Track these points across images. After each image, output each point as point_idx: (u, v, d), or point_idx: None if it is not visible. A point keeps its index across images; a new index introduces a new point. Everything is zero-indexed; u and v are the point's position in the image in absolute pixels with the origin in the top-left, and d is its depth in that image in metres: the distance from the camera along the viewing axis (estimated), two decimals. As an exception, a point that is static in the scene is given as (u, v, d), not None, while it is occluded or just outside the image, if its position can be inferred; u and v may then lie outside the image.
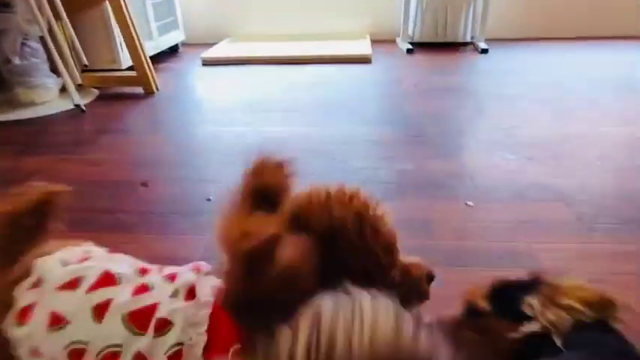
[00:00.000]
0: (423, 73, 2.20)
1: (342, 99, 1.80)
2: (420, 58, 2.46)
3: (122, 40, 2.03)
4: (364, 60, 2.39)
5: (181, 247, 0.89)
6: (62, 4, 1.69)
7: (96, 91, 1.95)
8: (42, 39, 1.75)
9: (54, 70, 1.83)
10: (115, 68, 2.07)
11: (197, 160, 1.28)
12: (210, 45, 2.74)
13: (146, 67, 1.88)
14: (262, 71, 2.28)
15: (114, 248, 0.89)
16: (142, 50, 1.87)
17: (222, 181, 1.14)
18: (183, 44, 2.89)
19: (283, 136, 1.43)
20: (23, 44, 1.74)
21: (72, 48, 1.75)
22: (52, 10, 1.63)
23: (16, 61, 1.72)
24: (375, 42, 2.65)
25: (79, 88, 1.79)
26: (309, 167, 1.20)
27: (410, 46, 2.57)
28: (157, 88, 1.93)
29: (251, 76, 2.19)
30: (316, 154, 1.28)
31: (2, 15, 1.66)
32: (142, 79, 1.89)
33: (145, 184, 1.13)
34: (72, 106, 1.73)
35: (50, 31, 1.64)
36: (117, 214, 1.01)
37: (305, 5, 2.92)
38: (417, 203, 1.03)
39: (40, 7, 1.58)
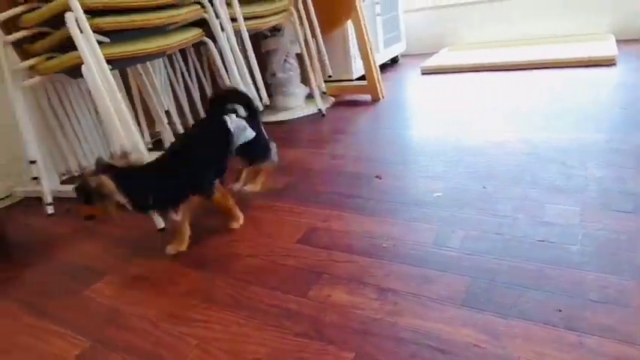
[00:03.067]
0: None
1: (575, 104, 1.64)
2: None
3: (355, 53, 2.33)
4: (606, 62, 2.10)
5: (411, 231, 0.99)
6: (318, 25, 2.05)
7: (332, 98, 2.29)
8: (298, 55, 2.17)
9: (303, 80, 2.24)
10: (347, 78, 2.38)
11: (421, 159, 1.38)
12: (429, 55, 2.86)
13: (375, 77, 2.11)
14: (481, 78, 2.26)
15: (353, 224, 1.07)
16: (373, 62, 2.11)
17: (446, 178, 1.22)
18: (403, 55, 3.08)
19: (507, 140, 1.41)
20: (285, 60, 2.19)
21: (321, 62, 2.11)
22: (310, 30, 2.01)
23: (279, 74, 2.18)
24: (620, 42, 2.29)
25: (321, 96, 2.14)
26: (540, 173, 1.16)
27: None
28: (383, 96, 2.15)
29: (469, 83, 2.20)
30: (547, 160, 1.22)
31: (274, 38, 2.13)
32: (371, 88, 2.13)
33: (379, 177, 1.30)
34: (315, 111, 2.08)
35: (307, 48, 2.01)
36: (356, 198, 1.20)
37: (528, 9, 2.73)
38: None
39: (302, 29, 1.97)
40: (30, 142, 1.38)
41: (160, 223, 1.21)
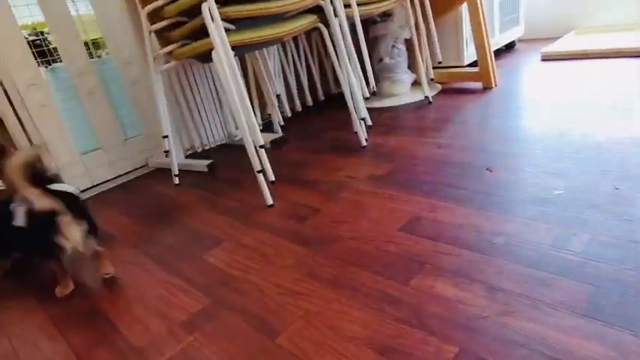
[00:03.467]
0: None
1: None
2: None
3: (468, 37, 2.20)
4: None
5: (525, 230, 0.93)
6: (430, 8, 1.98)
7: (439, 86, 2.20)
8: (407, 41, 2.12)
9: (410, 66, 2.19)
10: (458, 65, 2.27)
11: (538, 152, 1.27)
12: (551, 40, 2.58)
13: (489, 64, 1.98)
14: (614, 66, 1.98)
15: (460, 216, 1.02)
16: (489, 48, 1.97)
17: (570, 176, 1.10)
18: (520, 40, 2.83)
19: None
20: (393, 46, 2.15)
21: (430, 47, 2.03)
22: (422, 14, 1.94)
23: (387, 60, 2.16)
24: None
25: (428, 82, 2.07)
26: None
27: None
28: (496, 84, 2.00)
29: (600, 71, 1.94)
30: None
31: (384, 24, 2.10)
32: (484, 75, 2.00)
33: (489, 170, 1.22)
34: (421, 98, 2.03)
35: (417, 33, 1.96)
36: (463, 190, 1.15)
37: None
38: None
39: (413, 14, 1.91)
40: (164, 119, 1.57)
41: (270, 199, 1.29)
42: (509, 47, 2.76)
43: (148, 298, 0.97)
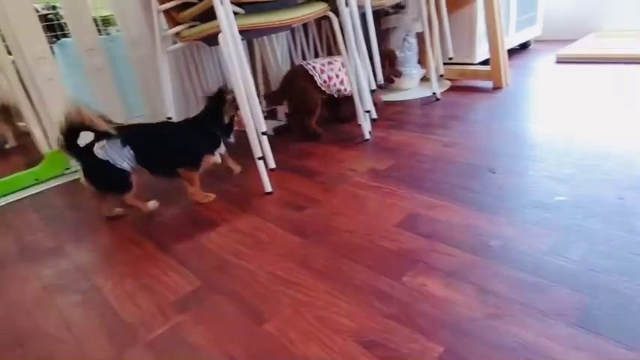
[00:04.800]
0: None
1: None
2: None
3: (482, 34, 2.16)
4: None
5: (523, 234, 0.91)
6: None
7: (448, 82, 2.17)
8: (419, 35, 2.08)
9: (420, 61, 2.15)
10: (469, 62, 2.23)
11: (544, 156, 1.25)
12: (568, 41, 2.53)
13: (501, 63, 1.94)
14: (632, 72, 1.94)
15: (459, 216, 1.01)
16: (502, 46, 1.93)
17: (574, 182, 1.08)
18: (536, 40, 2.78)
19: (660, 149, 1.20)
20: (404, 39, 2.12)
21: (442, 42, 2.00)
22: (436, 8, 1.90)
23: (397, 53, 2.13)
24: None
25: (438, 78, 2.04)
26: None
27: None
28: (507, 84, 1.97)
29: (617, 77, 1.90)
30: None
31: (397, 16, 2.07)
32: (495, 74, 1.97)
33: (492, 171, 1.21)
34: (430, 94, 2.00)
35: (429, 27, 1.92)
36: (465, 190, 1.13)
37: None
38: None
39: (427, 7, 1.88)
40: (169, 100, 1.56)
41: (269, 187, 1.28)
42: (524, 47, 2.71)
43: (142, 276, 0.97)
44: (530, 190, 1.08)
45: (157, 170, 1.27)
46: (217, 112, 1.29)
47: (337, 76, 1.68)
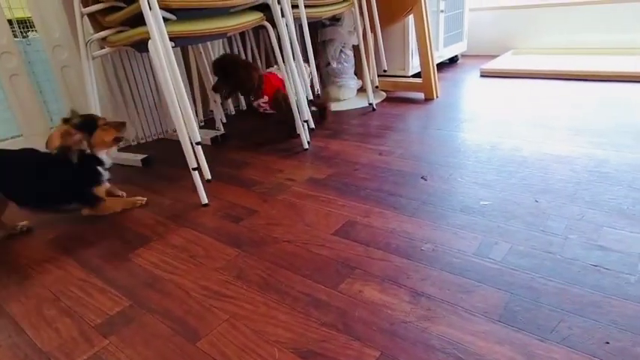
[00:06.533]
0: None
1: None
2: None
3: (414, 49, 2.27)
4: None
5: (452, 238, 0.96)
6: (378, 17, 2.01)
7: (384, 94, 2.25)
8: (355, 47, 2.15)
9: (356, 73, 2.22)
10: (402, 74, 2.33)
11: (470, 164, 1.33)
12: (491, 57, 2.73)
13: (431, 76, 2.05)
14: (546, 86, 2.14)
15: (393, 222, 1.05)
16: (432, 60, 2.04)
17: (497, 188, 1.16)
18: (463, 55, 2.97)
19: (567, 155, 1.32)
20: (341, 51, 2.17)
21: (377, 55, 2.07)
22: (370, 23, 1.98)
23: (334, 64, 2.17)
24: None
25: (374, 90, 2.11)
26: (602, 193, 1.08)
27: None
28: (437, 95, 2.08)
29: (533, 90, 2.09)
30: (611, 180, 1.14)
31: (333, 28, 2.12)
32: (426, 86, 2.07)
33: (424, 178, 1.26)
34: (366, 105, 2.06)
35: (364, 40, 1.99)
36: (399, 197, 1.17)
37: (604, 18, 2.54)
38: None
39: (361, 21, 1.94)
40: (95, 109, 1.46)
41: (204, 198, 1.24)
42: (453, 61, 2.89)
43: (62, 299, 0.89)
44: (458, 196, 1.14)
45: (32, 204, 1.18)
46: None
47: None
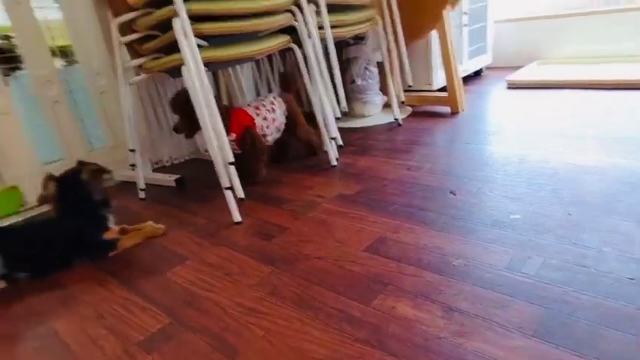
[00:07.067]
0: None
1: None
2: None
3: (438, 63, 2.28)
4: None
5: (483, 252, 0.96)
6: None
7: (409, 109, 2.27)
8: (379, 64, 2.18)
9: (382, 89, 2.25)
10: (428, 89, 2.34)
11: (500, 177, 1.32)
12: (516, 68, 2.71)
13: (457, 89, 2.06)
14: (572, 96, 2.10)
15: (424, 238, 1.05)
16: (456, 73, 2.05)
17: (527, 201, 1.15)
18: (488, 67, 2.96)
19: (598, 165, 1.30)
20: (365, 68, 2.21)
21: (401, 71, 2.10)
22: (394, 39, 2.01)
23: (359, 81, 2.21)
24: None
25: (399, 105, 2.13)
26: (636, 204, 1.06)
27: None
28: (463, 109, 2.08)
29: (559, 101, 2.06)
30: (647, 193, 1.11)
31: (357, 46, 2.16)
32: (452, 100, 2.08)
33: (453, 193, 1.27)
34: (392, 120, 2.08)
35: (389, 57, 2.02)
36: (428, 212, 1.18)
37: (629, 25, 2.48)
38: None
39: (385, 38, 1.98)
40: (131, 132, 1.54)
41: (237, 217, 1.28)
42: (477, 74, 2.88)
43: (105, 317, 0.94)
44: (488, 210, 1.14)
45: (44, 269, 1.16)
46: (81, 194, 1.21)
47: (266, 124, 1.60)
